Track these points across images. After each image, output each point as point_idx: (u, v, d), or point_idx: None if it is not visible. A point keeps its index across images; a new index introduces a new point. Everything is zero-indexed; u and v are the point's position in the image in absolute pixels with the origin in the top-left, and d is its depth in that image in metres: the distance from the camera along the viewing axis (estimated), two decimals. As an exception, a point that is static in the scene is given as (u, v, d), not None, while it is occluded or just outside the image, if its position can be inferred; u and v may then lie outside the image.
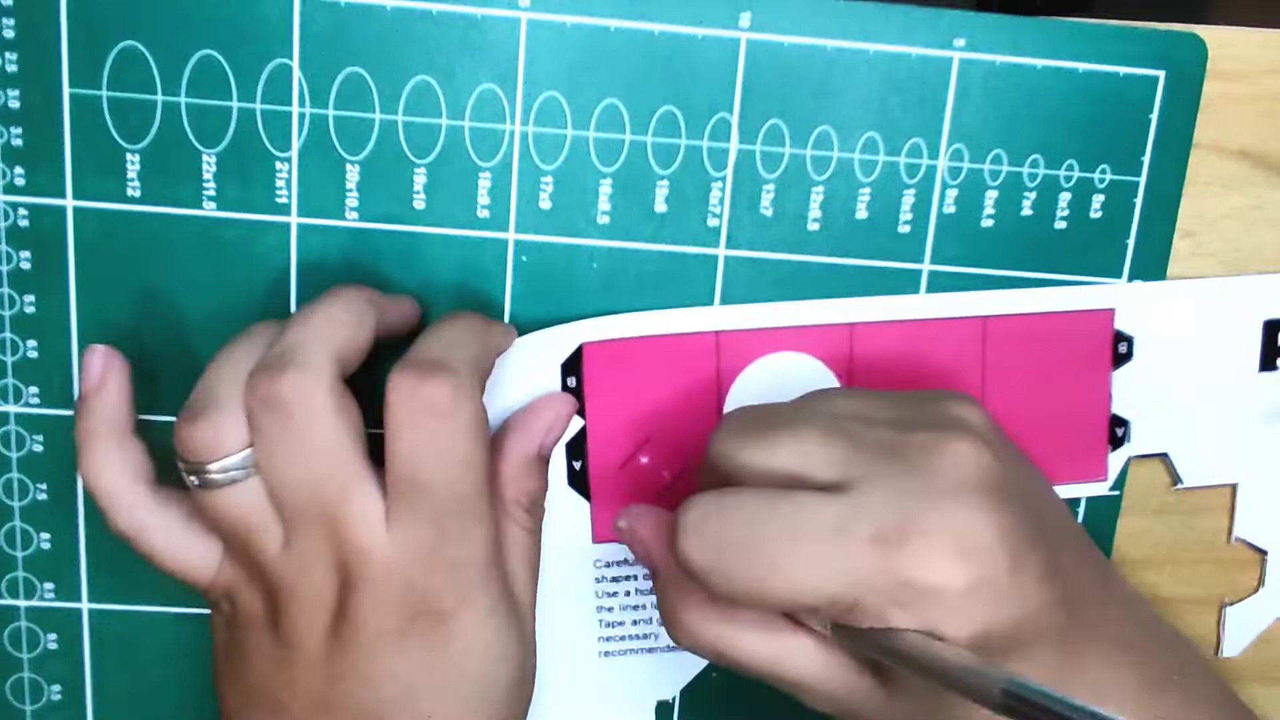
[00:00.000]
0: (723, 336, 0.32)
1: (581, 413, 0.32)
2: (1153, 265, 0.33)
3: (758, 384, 0.32)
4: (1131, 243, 0.33)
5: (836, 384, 0.33)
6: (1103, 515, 0.34)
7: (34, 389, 0.32)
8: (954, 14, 0.31)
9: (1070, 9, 0.75)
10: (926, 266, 0.32)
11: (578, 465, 0.32)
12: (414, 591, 0.27)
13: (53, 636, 0.33)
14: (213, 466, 0.27)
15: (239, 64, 0.30)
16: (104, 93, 0.30)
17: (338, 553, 0.27)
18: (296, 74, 0.30)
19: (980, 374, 0.33)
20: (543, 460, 0.31)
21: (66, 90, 0.30)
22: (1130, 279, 0.33)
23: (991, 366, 0.33)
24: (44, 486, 0.32)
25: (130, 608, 0.33)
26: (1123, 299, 0.33)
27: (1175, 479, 0.35)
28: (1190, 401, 0.34)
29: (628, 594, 0.33)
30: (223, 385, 0.27)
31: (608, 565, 0.33)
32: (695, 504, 0.25)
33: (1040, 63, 0.31)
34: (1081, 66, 0.31)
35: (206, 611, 0.33)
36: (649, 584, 0.33)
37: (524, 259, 0.32)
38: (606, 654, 0.33)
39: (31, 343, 0.31)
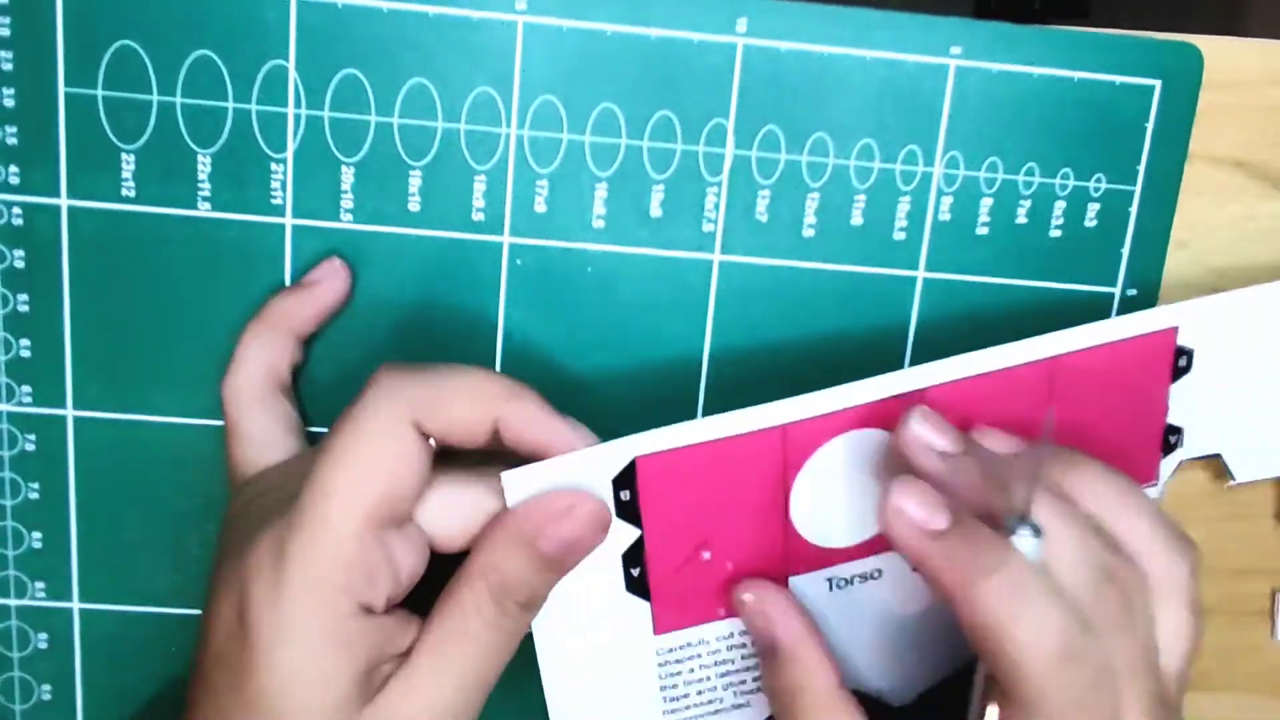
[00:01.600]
0: (789, 429, 0.29)
1: (639, 523, 0.29)
2: (1147, 274, 0.33)
3: (827, 467, 0.30)
4: (1126, 251, 0.33)
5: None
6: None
7: (27, 388, 0.32)
8: (950, 21, 0.31)
9: (1068, 16, 0.75)
10: (921, 274, 0.32)
11: (635, 572, 0.30)
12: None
13: (43, 636, 0.33)
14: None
15: (235, 65, 0.30)
16: (99, 92, 0.30)
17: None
18: (292, 75, 0.30)
19: (1047, 411, 0.32)
20: (535, 550, 0.26)
21: (62, 89, 0.30)
22: (1125, 288, 0.33)
23: (1059, 401, 0.32)
24: (36, 486, 0.32)
25: (121, 608, 0.33)
26: (1184, 316, 0.32)
27: (1229, 475, 0.35)
28: (1243, 405, 0.34)
29: (692, 671, 0.32)
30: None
31: (670, 651, 0.31)
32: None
33: (1036, 71, 0.31)
34: (1077, 75, 0.31)
35: (198, 612, 0.33)
36: (713, 659, 0.32)
37: (519, 262, 0.32)
38: (670, 713, 0.32)
39: (24, 342, 0.31)
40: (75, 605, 0.33)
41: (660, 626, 0.31)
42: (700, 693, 0.32)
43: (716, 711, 0.33)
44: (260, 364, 0.30)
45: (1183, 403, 0.34)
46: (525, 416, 0.26)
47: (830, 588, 0.32)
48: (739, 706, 0.33)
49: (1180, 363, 0.33)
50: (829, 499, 0.31)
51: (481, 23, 0.30)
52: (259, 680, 0.24)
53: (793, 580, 0.31)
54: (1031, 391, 0.31)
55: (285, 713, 0.24)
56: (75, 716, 0.34)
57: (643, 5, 0.30)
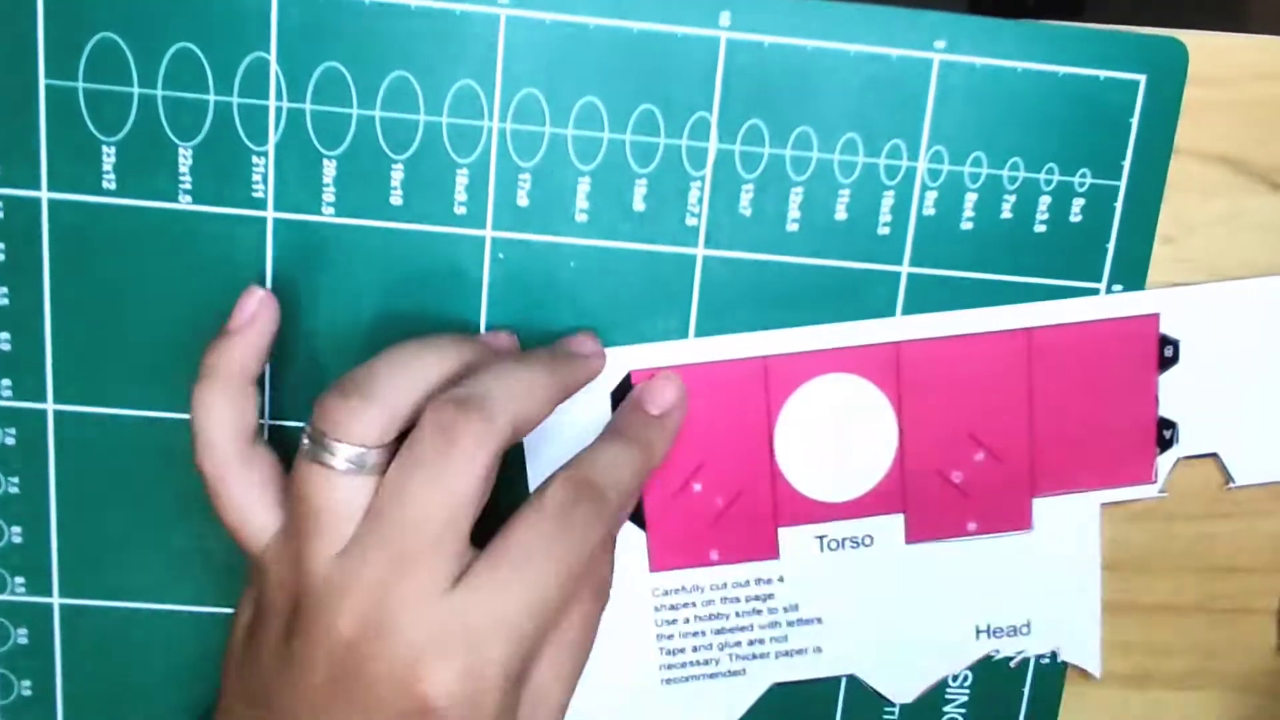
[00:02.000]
0: (770, 361, 0.32)
1: None
2: (1132, 270, 0.33)
3: (808, 407, 0.33)
4: (1111, 247, 0.33)
5: (886, 403, 0.33)
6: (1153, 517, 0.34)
7: (6, 381, 0.32)
8: (935, 15, 0.31)
9: (1062, 12, 0.75)
10: (905, 269, 0.32)
11: None
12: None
13: (23, 631, 0.33)
14: (340, 447, 0.26)
15: (216, 57, 0.30)
16: (80, 84, 0.30)
17: (382, 596, 0.26)
18: (274, 68, 0.30)
19: (1027, 385, 0.33)
20: (612, 540, 0.30)
21: (42, 81, 0.30)
22: (1110, 284, 0.33)
23: (1038, 377, 0.33)
24: (16, 480, 0.32)
25: (102, 603, 0.33)
26: (1167, 303, 0.33)
27: (1228, 478, 0.35)
28: (1238, 400, 0.34)
29: (687, 621, 0.34)
30: (399, 382, 0.27)
31: (666, 594, 0.33)
32: None
33: (1021, 65, 0.31)
34: (1062, 70, 0.31)
35: (181, 608, 0.33)
36: (707, 610, 0.34)
37: (501, 256, 0.32)
38: (668, 681, 0.34)
39: (4, 335, 0.31)
40: (55, 600, 0.33)
41: (656, 563, 0.33)
42: (696, 649, 0.34)
43: (713, 675, 0.34)
44: (229, 429, 0.28)
45: (1175, 396, 0.34)
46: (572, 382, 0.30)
47: (821, 548, 0.33)
48: (734, 674, 0.34)
49: (1166, 352, 0.33)
50: (812, 445, 0.32)
51: (464, 16, 0.30)
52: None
53: (782, 534, 0.33)
54: (1009, 361, 0.32)
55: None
56: (55, 712, 0.34)
57: (625, -2, 0.30)
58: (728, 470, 0.33)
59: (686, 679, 0.34)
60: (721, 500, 0.33)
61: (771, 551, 0.33)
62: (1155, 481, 0.34)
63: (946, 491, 0.34)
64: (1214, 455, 0.34)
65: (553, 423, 0.31)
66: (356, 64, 0.30)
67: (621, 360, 0.32)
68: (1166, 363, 0.33)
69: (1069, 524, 0.34)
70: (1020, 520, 0.34)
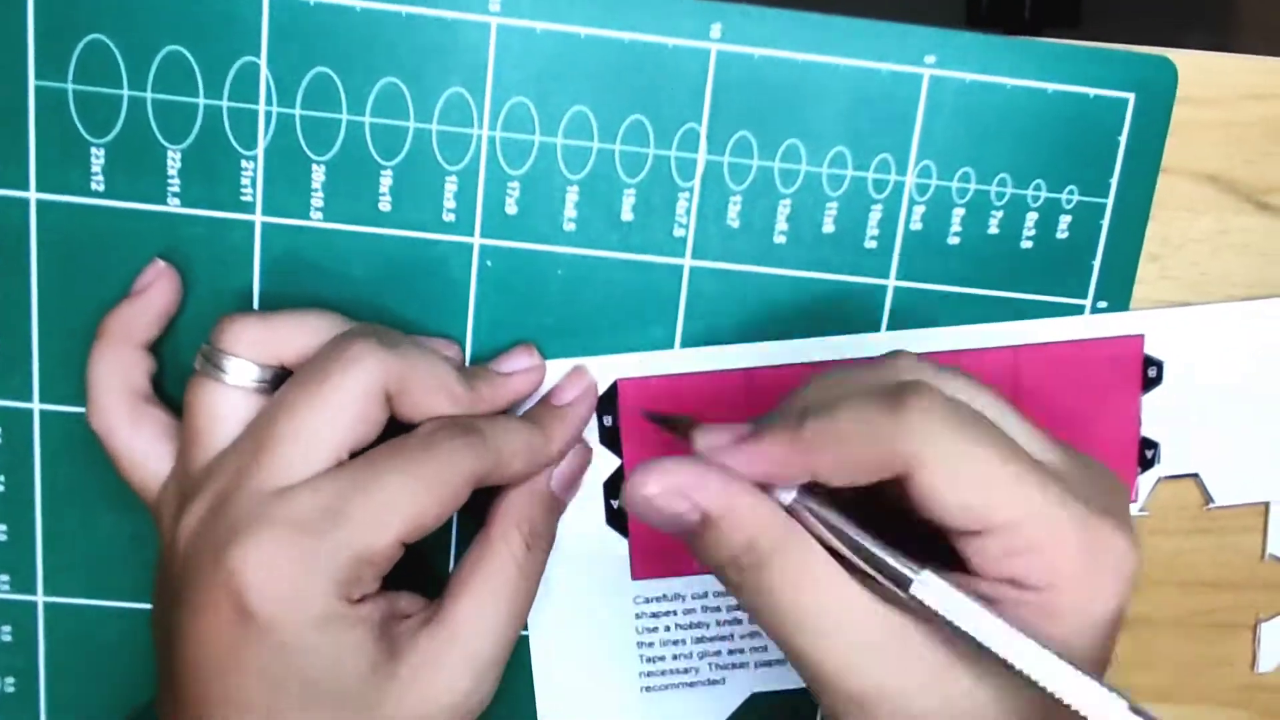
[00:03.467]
0: (755, 374, 0.32)
1: (619, 451, 0.33)
2: (1118, 287, 0.33)
3: None
4: (1097, 264, 0.33)
5: None
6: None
7: (-7, 380, 0.32)
8: (925, 31, 0.31)
9: (1060, 26, 0.75)
10: (892, 282, 0.32)
11: (615, 504, 0.33)
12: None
13: (7, 629, 0.33)
14: (228, 360, 0.28)
15: (206, 60, 0.30)
16: (70, 86, 0.30)
17: (230, 481, 0.27)
18: (264, 72, 0.30)
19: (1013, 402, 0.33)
20: (550, 494, 0.31)
21: (32, 82, 0.30)
22: (1095, 301, 0.33)
23: (1023, 394, 0.33)
24: (1, 479, 0.32)
25: (86, 601, 0.33)
26: (1152, 324, 0.33)
27: (1207, 499, 0.35)
28: (1220, 423, 0.34)
29: (667, 629, 0.34)
30: (303, 323, 0.28)
31: (647, 601, 0.34)
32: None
33: (1010, 82, 0.31)
34: (1051, 87, 0.31)
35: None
36: (688, 619, 0.34)
37: (489, 264, 0.32)
38: (648, 689, 0.34)
39: (-9, 334, 0.31)
40: (39, 599, 0.33)
41: (638, 570, 0.33)
42: (676, 657, 0.34)
43: (692, 684, 0.34)
44: (116, 386, 0.29)
45: (1157, 417, 0.34)
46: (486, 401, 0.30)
47: None
48: (714, 683, 0.34)
49: (1150, 373, 0.33)
50: None
51: (455, 23, 0.30)
52: (288, 664, 0.26)
53: None
54: (994, 378, 0.33)
55: (322, 685, 0.26)
56: (38, 709, 0.34)
57: (617, 8, 0.30)
58: None
59: (666, 687, 0.34)
60: None
61: None
62: (1136, 500, 0.34)
63: None
64: (1195, 476, 0.34)
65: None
66: (347, 69, 0.30)
67: (608, 369, 0.32)
68: (1150, 383, 0.33)
69: None
70: None
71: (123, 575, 0.33)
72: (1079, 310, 0.33)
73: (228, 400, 0.28)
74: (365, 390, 0.27)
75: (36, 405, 0.32)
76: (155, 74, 0.30)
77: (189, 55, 0.30)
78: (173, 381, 0.31)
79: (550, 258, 0.32)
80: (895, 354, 0.26)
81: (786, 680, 0.34)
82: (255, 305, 0.31)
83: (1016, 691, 0.23)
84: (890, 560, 0.23)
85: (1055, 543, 0.23)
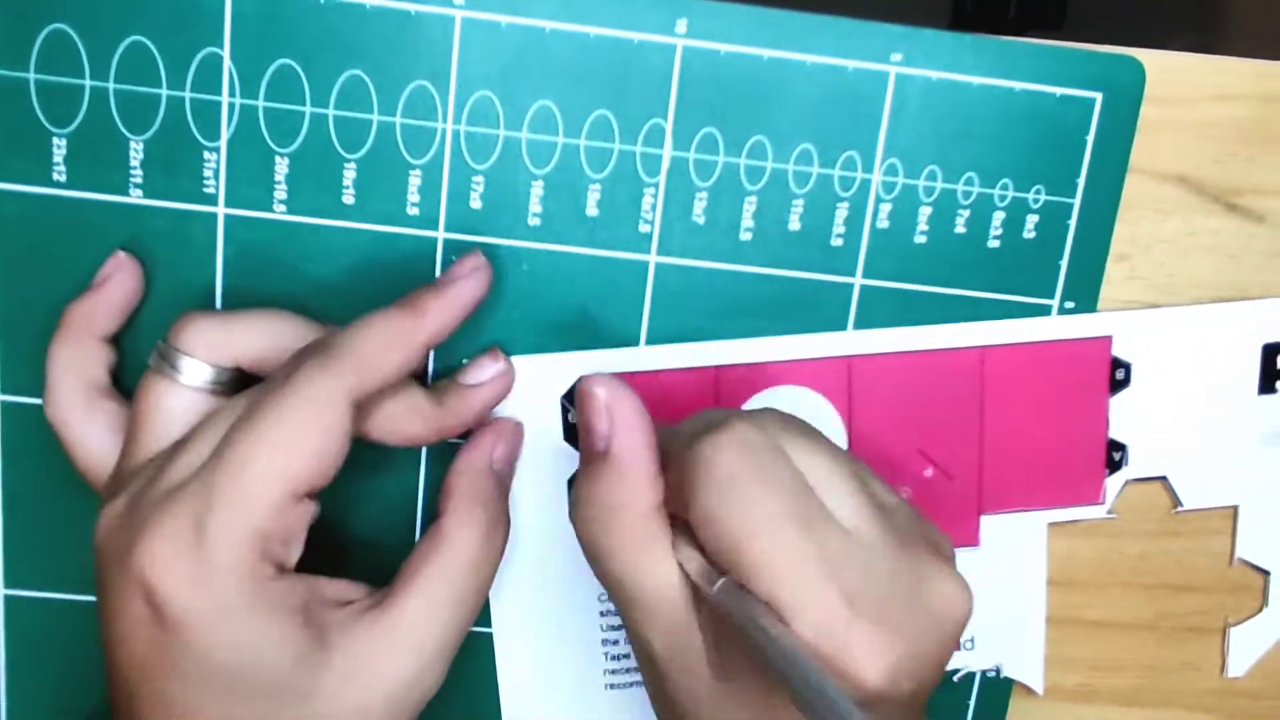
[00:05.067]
0: (722, 371, 0.32)
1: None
2: (1085, 287, 0.33)
3: None
4: (1064, 264, 0.33)
5: (836, 416, 0.33)
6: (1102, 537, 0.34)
7: (-47, 371, 0.31)
8: (892, 28, 0.31)
9: (1043, 27, 0.76)
10: (858, 280, 0.32)
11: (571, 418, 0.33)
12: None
13: (-33, 621, 0.33)
14: (182, 359, 0.28)
15: (169, 51, 0.30)
16: (31, 75, 0.30)
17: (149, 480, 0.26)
18: (227, 63, 0.30)
19: (978, 404, 0.33)
20: (493, 473, 0.31)
21: (-7, 71, 0.30)
22: (1063, 300, 0.33)
23: (989, 396, 0.33)
24: (-39, 470, 0.32)
25: (47, 595, 0.33)
26: (1120, 326, 0.33)
27: (1175, 502, 0.35)
28: (1188, 425, 0.34)
29: None
30: (249, 318, 0.28)
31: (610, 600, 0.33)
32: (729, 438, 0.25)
33: (977, 80, 0.31)
34: (1019, 86, 0.31)
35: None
36: None
37: (453, 258, 0.31)
38: (612, 686, 0.34)
39: (-49, 325, 0.31)
40: (0, 592, 0.33)
41: None
42: None
43: None
44: (73, 378, 0.29)
45: (1125, 419, 0.34)
46: (438, 327, 0.28)
47: None
48: None
49: (1118, 375, 0.33)
50: None
51: (419, 16, 0.30)
52: (207, 661, 0.25)
53: None
54: (961, 378, 0.33)
55: (246, 679, 0.25)
56: (-3, 704, 0.34)
57: (582, 3, 0.30)
58: None
59: (630, 685, 0.34)
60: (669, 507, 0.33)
61: None
62: (1104, 503, 0.34)
63: None
64: (1163, 479, 0.34)
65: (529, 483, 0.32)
66: (310, 62, 0.30)
67: (571, 366, 0.32)
68: (1118, 385, 0.33)
69: (1016, 542, 0.34)
70: (968, 537, 0.34)
71: (83, 568, 0.33)
72: (1046, 310, 0.33)
73: (179, 399, 0.27)
74: (315, 412, 0.25)
75: (-3, 396, 0.32)
76: (118, 64, 0.30)
77: (151, 46, 0.30)
78: (131, 375, 0.31)
79: (515, 253, 0.32)
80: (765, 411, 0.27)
81: None
82: (218, 298, 0.31)
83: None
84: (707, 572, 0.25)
85: (796, 614, 0.23)
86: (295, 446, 0.25)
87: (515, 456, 0.32)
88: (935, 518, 0.33)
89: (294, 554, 0.27)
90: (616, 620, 0.34)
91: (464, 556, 0.28)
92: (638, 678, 0.34)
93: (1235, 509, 0.35)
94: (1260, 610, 0.36)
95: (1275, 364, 0.34)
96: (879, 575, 0.24)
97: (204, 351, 0.28)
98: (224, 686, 0.25)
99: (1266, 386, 0.34)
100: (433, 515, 0.30)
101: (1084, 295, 0.33)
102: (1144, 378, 0.33)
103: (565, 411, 0.32)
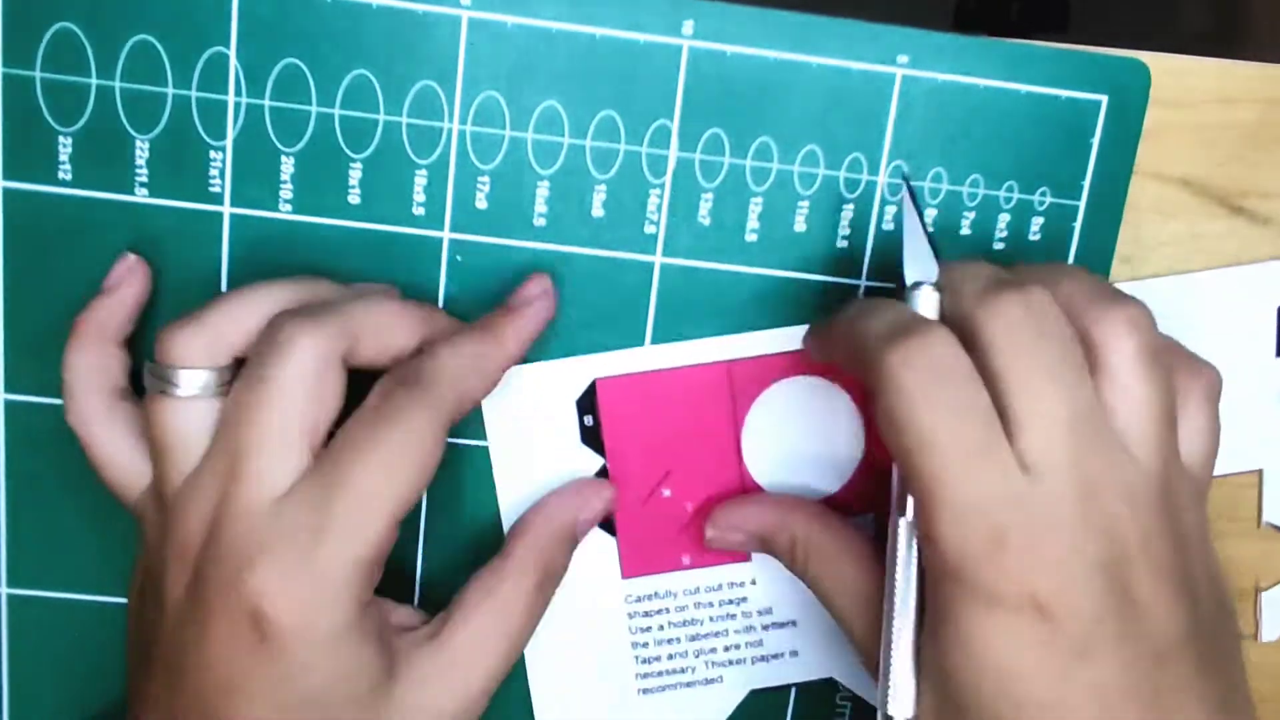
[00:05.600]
0: (734, 366, 0.32)
1: (601, 450, 0.32)
2: (1090, 290, 0.33)
3: (774, 411, 0.33)
4: (1069, 266, 0.33)
5: (849, 404, 0.33)
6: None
7: (-42, 370, 0.31)
8: (898, 30, 0.31)
9: (1046, 29, 0.76)
10: (864, 282, 0.32)
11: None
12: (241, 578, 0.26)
13: (-30, 620, 0.33)
14: (177, 374, 0.27)
15: (175, 50, 0.30)
16: (37, 74, 0.30)
17: (219, 502, 0.26)
18: (233, 62, 0.30)
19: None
20: (574, 538, 0.31)
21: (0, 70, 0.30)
22: (1067, 302, 0.33)
23: None
24: (-36, 469, 0.32)
25: (50, 594, 0.33)
26: (1138, 295, 0.32)
27: None
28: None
29: (661, 628, 0.34)
30: (230, 308, 0.28)
31: (639, 600, 0.33)
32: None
33: (983, 83, 0.31)
34: (1024, 88, 0.31)
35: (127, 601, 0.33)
36: (681, 616, 0.34)
37: (459, 258, 0.31)
38: (645, 691, 0.34)
39: (-44, 323, 0.31)
40: (2, 590, 0.33)
41: (627, 569, 0.33)
42: (671, 657, 0.34)
43: (690, 684, 0.33)
44: (92, 384, 0.29)
45: None
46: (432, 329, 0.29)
47: None
48: (711, 681, 0.34)
49: None
50: (780, 448, 0.33)
51: (426, 16, 0.30)
52: (302, 687, 0.26)
53: None
54: None
55: (323, 709, 0.26)
56: (0, 702, 0.33)
57: (588, 4, 0.30)
58: (697, 476, 0.33)
59: (663, 688, 0.34)
60: (691, 505, 0.33)
61: (743, 554, 0.33)
62: None
63: None
64: None
65: (518, 430, 0.32)
66: (316, 61, 0.30)
67: (585, 369, 0.32)
68: None
69: None
70: None
71: (87, 568, 0.33)
72: (1051, 312, 0.33)
73: (188, 413, 0.27)
74: (310, 373, 0.26)
75: (1, 395, 0.32)
76: (124, 63, 0.30)
77: (158, 45, 0.30)
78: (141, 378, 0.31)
79: (520, 253, 0.32)
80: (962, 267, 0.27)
81: (785, 675, 0.34)
82: (222, 297, 0.31)
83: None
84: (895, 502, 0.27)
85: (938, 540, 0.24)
86: (400, 476, 0.26)
87: (597, 522, 0.32)
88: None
89: (381, 572, 0.27)
90: (645, 622, 0.33)
91: (519, 602, 0.29)
92: (670, 680, 0.34)
93: (1260, 472, 0.35)
94: None
95: None
96: (1034, 524, 0.24)
97: (195, 358, 0.27)
98: (300, 712, 0.26)
99: None
100: (498, 544, 0.30)
101: (1088, 297, 0.33)
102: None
103: (581, 417, 0.32)
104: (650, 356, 0.32)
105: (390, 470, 0.26)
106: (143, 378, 0.28)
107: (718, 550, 0.33)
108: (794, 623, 0.34)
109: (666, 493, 0.33)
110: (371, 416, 0.27)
